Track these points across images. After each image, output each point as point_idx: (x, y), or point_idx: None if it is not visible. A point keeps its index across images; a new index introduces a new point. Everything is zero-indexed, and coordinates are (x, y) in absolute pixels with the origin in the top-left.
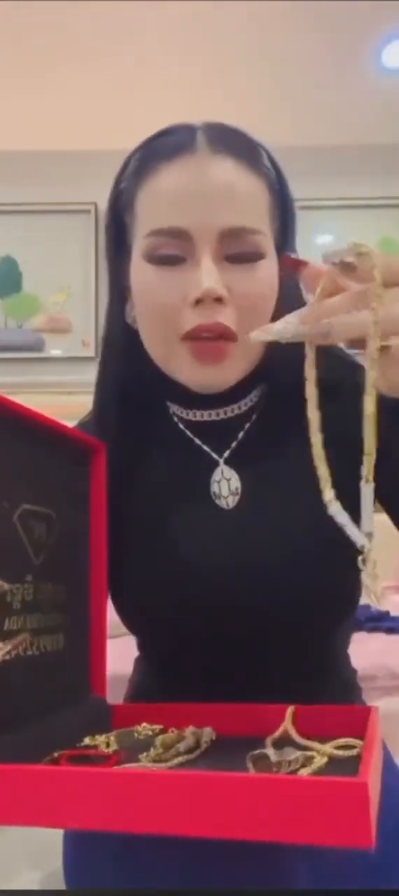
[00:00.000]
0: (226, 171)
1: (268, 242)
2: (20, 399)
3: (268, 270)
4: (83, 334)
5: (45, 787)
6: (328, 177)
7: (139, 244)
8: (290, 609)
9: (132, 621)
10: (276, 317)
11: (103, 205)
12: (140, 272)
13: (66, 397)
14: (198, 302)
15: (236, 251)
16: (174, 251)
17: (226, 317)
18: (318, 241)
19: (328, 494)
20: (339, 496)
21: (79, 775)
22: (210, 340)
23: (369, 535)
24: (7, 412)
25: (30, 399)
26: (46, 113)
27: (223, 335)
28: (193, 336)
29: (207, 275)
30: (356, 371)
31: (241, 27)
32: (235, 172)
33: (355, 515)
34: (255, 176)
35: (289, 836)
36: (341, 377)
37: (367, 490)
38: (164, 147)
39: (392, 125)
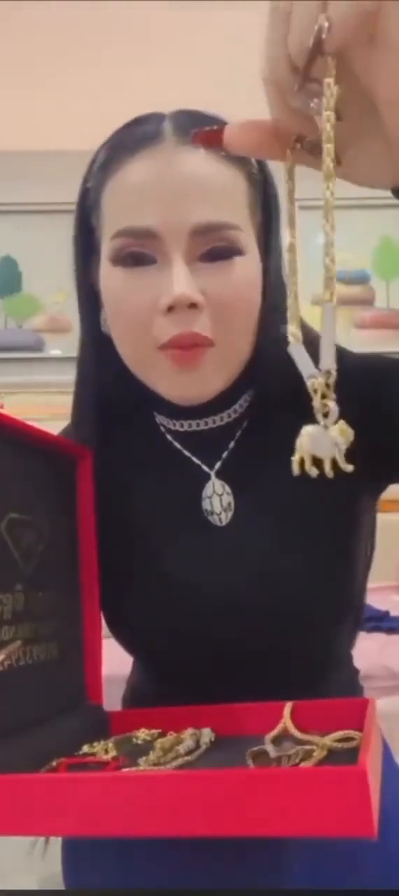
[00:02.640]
0: (195, 163)
1: (247, 238)
2: (20, 399)
3: (246, 268)
4: None
5: (45, 795)
6: None
7: (106, 246)
8: (290, 624)
9: (126, 643)
10: (261, 319)
11: None
12: (108, 277)
13: (65, 397)
14: (170, 309)
15: (209, 248)
16: (142, 251)
17: (200, 324)
18: (318, 240)
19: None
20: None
21: (79, 781)
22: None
23: (328, 374)
24: None
25: (29, 399)
26: (46, 113)
27: (197, 344)
28: (168, 348)
29: (179, 279)
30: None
31: (241, 25)
32: (206, 163)
33: (361, 482)
34: (230, 166)
35: (290, 830)
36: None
37: (327, 309)
38: (129, 139)
39: None
